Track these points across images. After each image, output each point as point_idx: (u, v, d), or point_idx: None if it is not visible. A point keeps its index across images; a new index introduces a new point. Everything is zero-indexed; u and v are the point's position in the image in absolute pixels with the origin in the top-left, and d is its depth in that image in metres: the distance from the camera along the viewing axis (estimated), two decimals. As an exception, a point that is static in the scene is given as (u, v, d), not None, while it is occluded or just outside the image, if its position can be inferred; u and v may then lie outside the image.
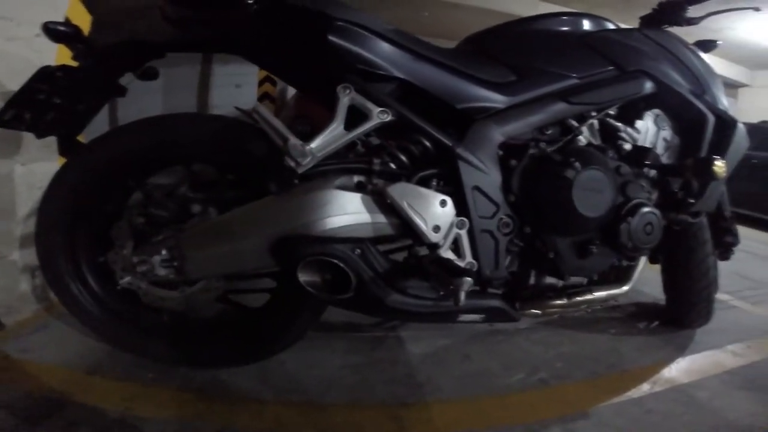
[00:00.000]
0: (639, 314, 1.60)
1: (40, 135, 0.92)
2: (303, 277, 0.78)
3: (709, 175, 0.91)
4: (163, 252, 0.87)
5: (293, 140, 0.76)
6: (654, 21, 1.18)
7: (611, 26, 1.12)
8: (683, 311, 1.45)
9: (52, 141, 1.15)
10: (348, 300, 0.82)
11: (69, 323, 1.17)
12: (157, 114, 0.96)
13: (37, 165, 1.27)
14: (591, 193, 0.87)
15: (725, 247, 1.34)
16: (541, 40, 1.06)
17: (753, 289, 2.13)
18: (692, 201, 1.02)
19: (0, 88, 1.12)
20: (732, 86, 8.05)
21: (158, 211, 0.91)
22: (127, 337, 1.04)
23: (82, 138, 1.11)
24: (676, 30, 1.19)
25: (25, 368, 1.02)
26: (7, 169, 1.21)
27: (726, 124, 1.09)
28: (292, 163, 0.76)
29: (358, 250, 0.80)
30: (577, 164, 0.87)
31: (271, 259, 0.81)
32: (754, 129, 4.46)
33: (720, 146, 1.07)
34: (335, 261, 0.77)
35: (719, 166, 0.90)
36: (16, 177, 1.23)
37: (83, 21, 1.28)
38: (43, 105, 0.86)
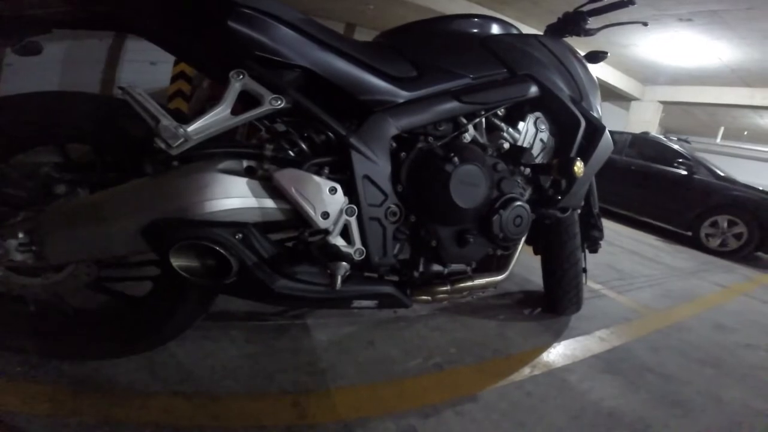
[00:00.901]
0: (525, 301, 1.76)
1: None
2: (176, 262, 0.75)
3: (570, 174, 1.02)
4: (21, 235, 0.79)
5: (165, 121, 0.73)
6: (557, 30, 1.29)
7: (515, 31, 1.20)
8: (558, 299, 1.62)
9: None
10: (231, 286, 0.80)
11: None
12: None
13: None
14: (468, 186, 0.94)
15: (592, 241, 1.53)
16: (445, 39, 1.11)
17: (620, 279, 2.45)
18: (559, 198, 1.14)
19: None
20: (626, 99, 9.07)
21: (15, 191, 0.82)
22: None
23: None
24: (576, 40, 1.30)
25: None
26: None
27: (595, 129, 1.22)
28: (163, 145, 0.73)
29: (240, 235, 0.78)
30: (456, 159, 0.92)
31: (143, 244, 0.76)
32: (635, 139, 5.13)
33: (587, 149, 1.20)
34: (211, 245, 0.75)
35: (579, 166, 1.02)
36: None
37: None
38: None
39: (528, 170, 1.11)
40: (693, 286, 2.74)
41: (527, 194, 1.11)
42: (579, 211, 1.48)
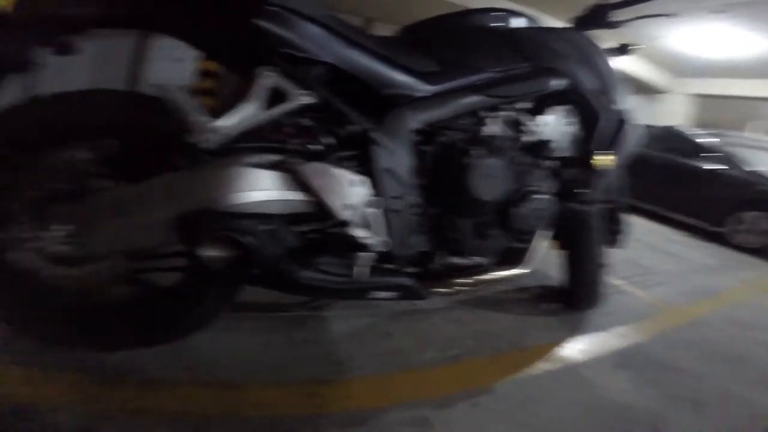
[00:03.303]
0: (544, 296, 1.74)
1: None
2: (205, 253, 0.78)
3: (594, 167, 1.02)
4: (61, 226, 0.83)
5: (200, 117, 0.76)
6: (582, 23, 1.28)
7: (539, 25, 1.20)
8: (577, 294, 1.61)
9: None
10: (257, 276, 0.83)
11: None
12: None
13: None
14: (489, 179, 0.95)
15: (615, 236, 1.51)
16: (469, 34, 1.12)
17: (643, 275, 2.40)
18: (582, 191, 1.14)
19: None
20: (656, 91, 8.78)
21: (56, 184, 0.86)
22: (25, 320, 0.96)
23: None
24: (601, 32, 1.28)
25: None
26: None
27: (619, 123, 1.21)
28: (196, 139, 0.77)
29: (266, 226, 0.81)
30: (477, 152, 0.94)
31: (175, 235, 0.80)
32: (661, 132, 4.98)
33: (612, 142, 1.19)
34: (238, 236, 0.78)
35: (603, 159, 1.02)
36: None
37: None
38: None
39: (550, 163, 1.12)
40: (716, 282, 2.67)
41: (549, 187, 1.11)
42: (602, 205, 1.46)
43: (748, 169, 4.37)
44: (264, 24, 0.81)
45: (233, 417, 0.89)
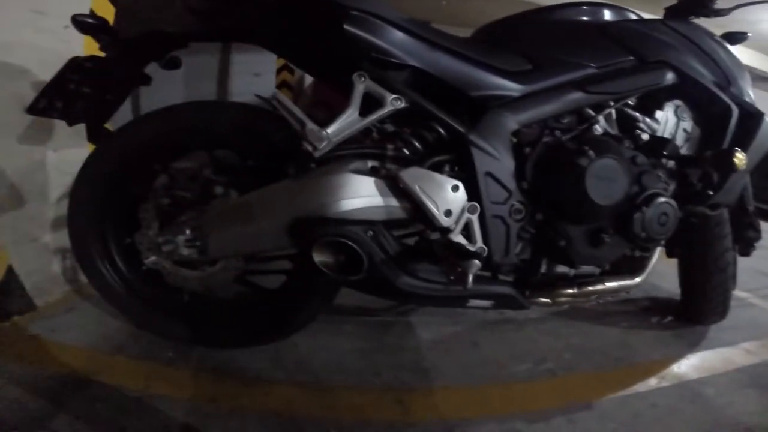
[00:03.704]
0: (652, 308, 1.58)
1: (71, 122, 0.97)
2: (318, 258, 0.81)
3: (730, 167, 0.90)
4: (187, 232, 0.91)
5: (311, 125, 0.80)
6: (679, 12, 1.16)
7: (633, 16, 1.11)
8: (698, 307, 1.44)
9: (81, 128, 1.19)
10: (360, 281, 0.84)
11: (96, 304, 1.22)
12: (179, 102, 0.99)
13: (67, 151, 1.31)
14: (604, 181, 0.88)
15: (746, 243, 1.32)
16: (558, 29, 1.06)
17: (773, 287, 2.08)
18: (711, 193, 1.02)
19: (32, 78, 1.16)
20: (764, 80, 7.71)
21: (182, 192, 0.95)
22: (150, 317, 1.08)
23: (110, 125, 1.16)
24: (705, 21, 1.16)
25: (53, 348, 1.06)
26: (40, 155, 1.25)
27: (751, 117, 1.07)
28: (310, 147, 0.80)
29: (371, 232, 0.82)
30: (591, 152, 0.87)
31: (288, 240, 0.84)
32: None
33: (743, 139, 1.05)
34: (348, 242, 0.80)
35: (740, 158, 0.90)
36: (48, 162, 1.27)
37: (107, 12, 1.33)
38: (74, 94, 0.91)
39: (672, 163, 1.01)
40: None
41: (671, 189, 1.01)
42: (728, 208, 1.29)
43: None
44: (353, 30, 0.83)
45: (326, 418, 0.91)
